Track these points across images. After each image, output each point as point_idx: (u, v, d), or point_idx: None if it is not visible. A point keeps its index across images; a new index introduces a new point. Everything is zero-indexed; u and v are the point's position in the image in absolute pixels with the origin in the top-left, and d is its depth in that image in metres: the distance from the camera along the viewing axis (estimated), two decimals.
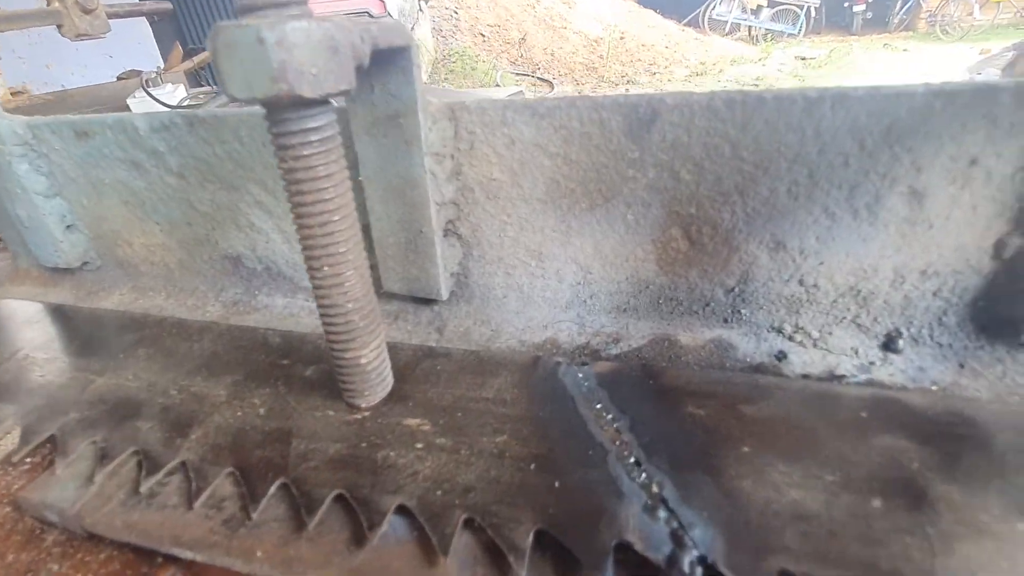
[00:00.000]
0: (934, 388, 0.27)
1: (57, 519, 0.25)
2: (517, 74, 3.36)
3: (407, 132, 0.29)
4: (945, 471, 0.21)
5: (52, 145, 0.40)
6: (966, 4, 4.91)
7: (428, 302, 0.36)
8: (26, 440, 0.29)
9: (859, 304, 0.29)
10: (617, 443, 0.24)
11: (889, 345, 0.29)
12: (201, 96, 1.91)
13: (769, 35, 5.13)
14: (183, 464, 0.26)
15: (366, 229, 0.35)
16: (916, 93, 0.24)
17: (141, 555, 0.24)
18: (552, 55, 3.62)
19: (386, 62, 0.27)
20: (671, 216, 0.29)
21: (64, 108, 2.81)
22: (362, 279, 0.26)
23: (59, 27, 0.79)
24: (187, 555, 0.22)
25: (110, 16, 0.85)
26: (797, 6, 5.12)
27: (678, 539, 0.19)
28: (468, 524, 0.21)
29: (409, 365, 0.31)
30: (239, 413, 0.29)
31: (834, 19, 5.58)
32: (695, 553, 0.19)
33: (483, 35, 3.65)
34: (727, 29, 5.28)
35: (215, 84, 2.36)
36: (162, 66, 2.31)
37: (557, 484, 0.22)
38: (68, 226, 0.44)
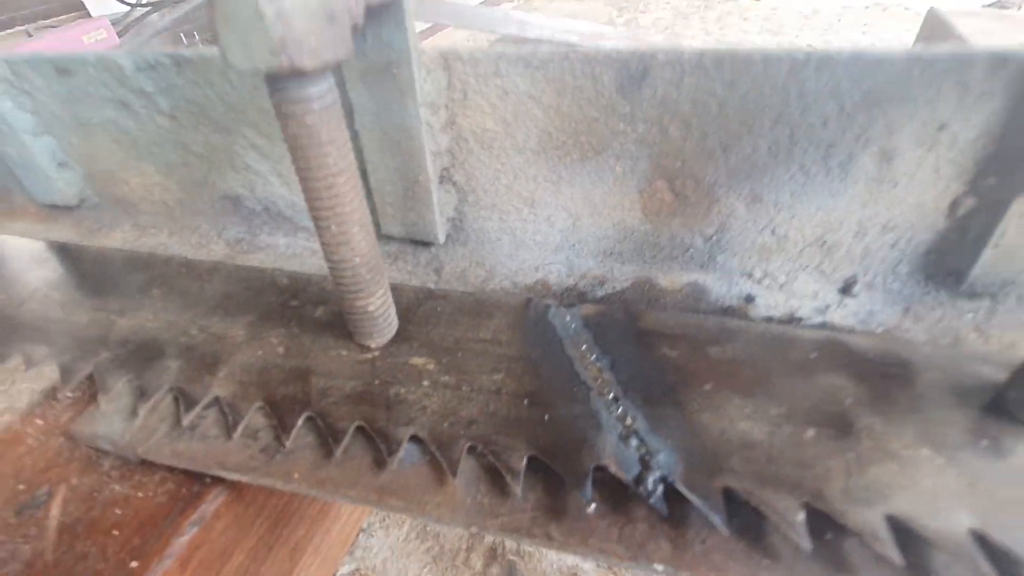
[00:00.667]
0: (879, 329, 0.31)
1: (111, 448, 0.28)
2: None
3: (401, 82, 0.29)
4: (872, 406, 0.25)
5: (34, 83, 0.39)
6: None
7: (426, 244, 0.38)
8: (66, 378, 0.32)
9: (823, 253, 0.32)
10: (599, 381, 0.28)
11: (846, 290, 0.32)
12: None
13: None
14: (216, 399, 0.29)
15: (364, 175, 0.36)
16: (897, 59, 0.24)
17: (190, 476, 0.28)
18: None
19: (379, 11, 0.27)
20: (657, 169, 0.31)
21: (12, 5, 2.55)
22: (367, 235, 0.27)
23: None
24: (233, 476, 0.26)
25: None
26: None
27: (645, 462, 0.24)
28: (472, 451, 0.25)
29: (411, 307, 0.34)
30: (259, 352, 0.32)
31: None
32: (658, 474, 0.23)
33: None
34: None
35: None
36: None
37: (547, 417, 0.26)
38: (60, 164, 0.44)
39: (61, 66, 0.38)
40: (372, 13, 0.27)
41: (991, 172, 0.27)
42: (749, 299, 0.33)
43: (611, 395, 0.27)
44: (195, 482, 0.27)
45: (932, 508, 0.21)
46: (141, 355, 0.32)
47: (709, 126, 0.28)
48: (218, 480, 0.27)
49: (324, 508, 0.36)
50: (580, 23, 0.82)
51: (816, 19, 1.58)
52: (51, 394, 0.33)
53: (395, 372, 0.29)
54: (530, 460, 0.25)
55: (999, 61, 0.24)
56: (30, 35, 1.91)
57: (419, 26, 1.46)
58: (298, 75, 0.21)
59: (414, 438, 0.26)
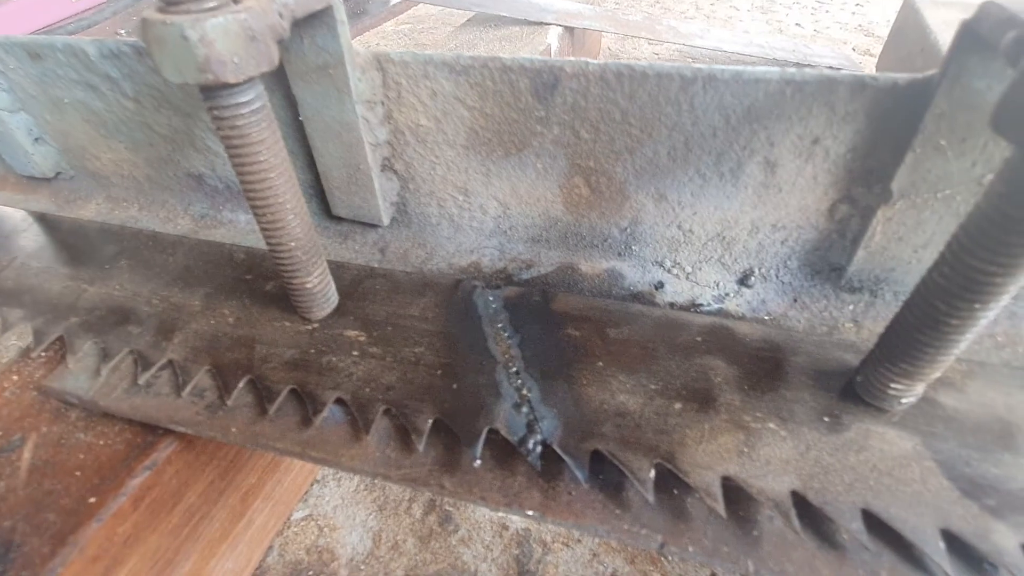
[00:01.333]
0: (767, 318, 0.34)
1: (77, 401, 0.32)
2: None
3: (337, 81, 0.32)
4: (737, 384, 0.29)
5: (8, 64, 0.41)
6: None
7: (373, 226, 0.41)
8: (39, 339, 0.35)
9: (724, 247, 0.35)
10: (506, 356, 0.31)
11: (744, 281, 0.36)
12: None
13: None
14: (170, 362, 0.33)
15: (312, 161, 0.39)
16: (772, 79, 0.27)
17: (145, 428, 0.32)
18: None
19: (312, 19, 0.29)
20: (574, 167, 0.34)
21: None
22: (302, 220, 0.30)
23: None
24: (180, 429, 0.30)
25: None
26: None
27: (531, 427, 0.27)
28: (386, 412, 0.29)
29: (353, 284, 0.37)
30: (212, 321, 0.35)
31: None
32: (539, 437, 0.27)
33: None
34: None
35: None
36: None
37: (455, 386, 0.30)
38: (36, 139, 0.46)
39: (32, 50, 0.40)
40: (305, 21, 0.29)
41: (860, 183, 0.30)
42: (659, 286, 0.37)
43: (514, 369, 0.30)
44: (149, 433, 0.31)
45: (764, 472, 0.25)
46: (107, 321, 0.36)
47: (615, 131, 0.31)
48: (169, 432, 0.31)
49: (275, 460, 0.40)
50: (556, 1, 0.83)
51: None
52: (26, 353, 0.36)
53: (330, 343, 0.33)
54: (435, 422, 0.28)
55: (859, 86, 0.26)
56: None
57: (393, 0, 1.43)
58: (226, 86, 0.24)
59: (339, 401, 0.30)
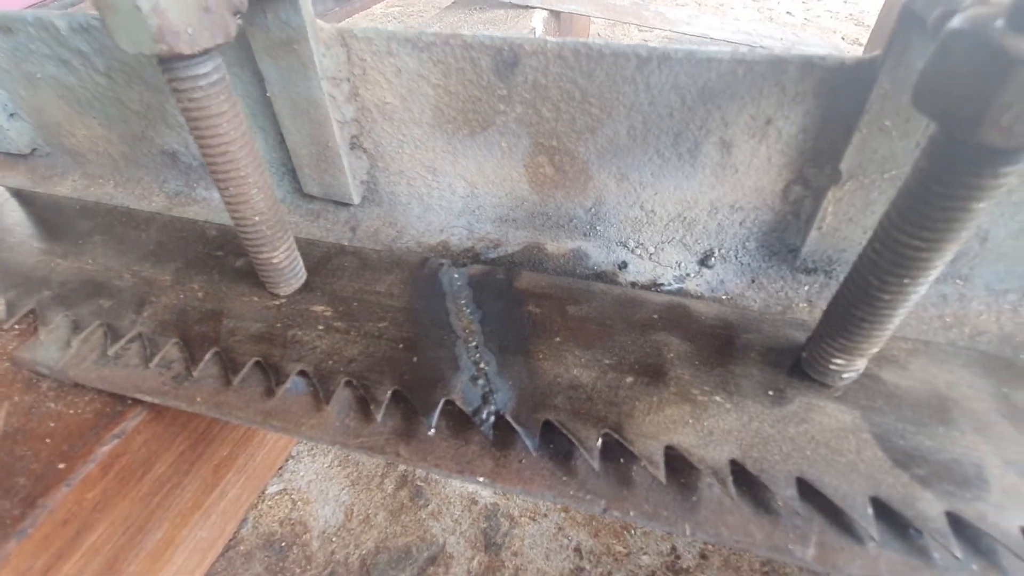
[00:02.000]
0: (725, 297, 0.35)
1: (48, 372, 0.33)
2: None
3: (302, 56, 0.32)
4: (688, 360, 0.30)
5: None
6: None
7: (345, 204, 0.42)
8: (11, 312, 0.36)
9: (685, 228, 0.36)
10: (467, 332, 0.32)
11: (705, 261, 0.36)
12: None
13: None
14: (139, 335, 0.33)
15: (281, 138, 0.39)
16: (723, 59, 0.28)
17: (115, 398, 0.32)
18: None
19: None
20: (537, 146, 0.34)
21: None
22: (265, 195, 0.31)
23: None
24: (147, 399, 0.31)
25: None
26: None
27: (486, 398, 0.28)
28: (347, 384, 0.30)
29: (322, 261, 0.38)
30: (181, 296, 0.36)
31: None
32: (492, 407, 0.28)
33: None
34: None
35: None
36: None
37: (415, 359, 0.31)
38: (11, 114, 0.46)
39: (3, 24, 0.40)
40: None
41: (811, 163, 0.30)
42: (623, 266, 0.37)
43: (473, 343, 0.31)
44: (118, 403, 0.32)
45: (706, 442, 0.26)
46: (79, 294, 0.37)
47: (575, 110, 0.32)
48: (139, 402, 0.32)
49: (248, 434, 0.41)
50: None
51: None
52: None
53: (296, 317, 0.34)
54: (394, 393, 0.29)
55: (807, 66, 0.27)
56: None
57: None
58: (182, 57, 0.24)
59: (302, 372, 0.30)
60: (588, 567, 0.41)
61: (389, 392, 0.29)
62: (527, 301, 0.34)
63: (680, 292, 0.35)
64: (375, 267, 0.37)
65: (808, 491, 0.24)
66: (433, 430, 0.28)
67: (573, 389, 0.29)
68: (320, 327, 0.33)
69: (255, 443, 0.42)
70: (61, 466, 0.29)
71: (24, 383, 0.33)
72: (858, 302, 0.24)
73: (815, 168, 0.30)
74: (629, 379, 0.29)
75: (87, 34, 0.38)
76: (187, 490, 0.36)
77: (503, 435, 0.28)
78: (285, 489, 0.46)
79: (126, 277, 0.37)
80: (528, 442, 0.27)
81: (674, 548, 0.42)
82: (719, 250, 0.36)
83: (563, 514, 0.45)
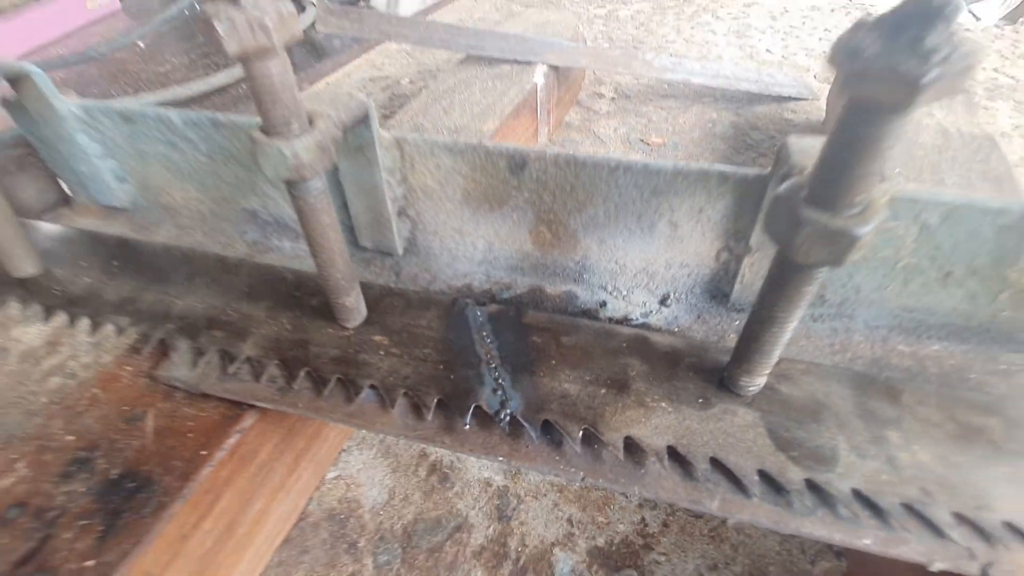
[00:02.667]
0: (676, 329, 0.47)
1: (182, 385, 0.45)
2: None
3: (369, 157, 0.45)
4: (645, 377, 0.42)
5: (104, 124, 0.54)
6: None
7: (389, 254, 0.54)
8: (145, 341, 0.48)
9: (648, 277, 0.48)
10: (488, 356, 0.44)
11: (663, 302, 0.49)
12: None
13: None
14: (248, 358, 0.46)
15: (347, 208, 0.51)
16: (667, 170, 0.40)
17: (233, 404, 0.44)
18: None
19: (354, 122, 0.42)
20: (539, 219, 0.47)
21: None
22: (343, 259, 0.43)
23: None
24: (261, 405, 0.43)
25: None
26: None
27: (503, 404, 0.40)
28: (405, 394, 0.42)
29: (377, 300, 0.50)
30: (274, 328, 0.48)
31: None
32: (508, 411, 0.40)
33: None
34: None
35: None
36: None
37: (452, 376, 0.43)
38: (120, 179, 0.59)
39: (126, 115, 0.52)
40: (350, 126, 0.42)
41: (732, 238, 0.43)
42: (602, 305, 0.50)
43: (493, 365, 0.43)
44: (237, 408, 0.44)
45: (653, 434, 0.38)
46: (196, 327, 0.49)
47: (567, 197, 0.44)
48: (251, 407, 0.44)
49: (316, 430, 0.53)
50: (535, 41, 0.95)
51: (783, 19, 1.68)
52: (134, 350, 0.49)
53: (363, 345, 0.46)
54: (438, 401, 0.41)
55: (724, 177, 0.39)
56: None
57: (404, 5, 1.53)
58: (304, 179, 0.37)
59: (372, 386, 0.43)
60: (577, 532, 0.53)
61: (435, 400, 0.41)
62: (532, 333, 0.46)
63: (644, 326, 0.48)
64: (416, 306, 0.49)
65: (718, 466, 0.37)
66: (468, 426, 0.40)
67: (564, 398, 0.41)
68: (381, 352, 0.45)
69: (320, 439, 0.54)
70: (203, 452, 0.41)
71: (162, 394, 0.46)
72: (751, 339, 0.36)
73: (735, 241, 0.43)
74: (603, 391, 0.41)
75: (196, 128, 0.51)
76: (277, 473, 0.49)
77: (515, 429, 0.40)
78: (340, 475, 0.58)
79: (230, 313, 0.49)
80: (532, 434, 0.39)
81: (643, 519, 0.54)
82: (674, 294, 0.48)
83: (558, 493, 0.57)
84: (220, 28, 0.28)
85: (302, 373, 0.44)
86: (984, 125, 1.06)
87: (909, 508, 0.35)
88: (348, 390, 0.43)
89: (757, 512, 0.35)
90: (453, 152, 0.44)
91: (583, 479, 0.37)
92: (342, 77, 1.38)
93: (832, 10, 1.71)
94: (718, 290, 0.47)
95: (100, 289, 0.53)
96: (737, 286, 0.45)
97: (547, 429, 0.40)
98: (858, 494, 0.35)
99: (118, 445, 0.42)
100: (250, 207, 0.56)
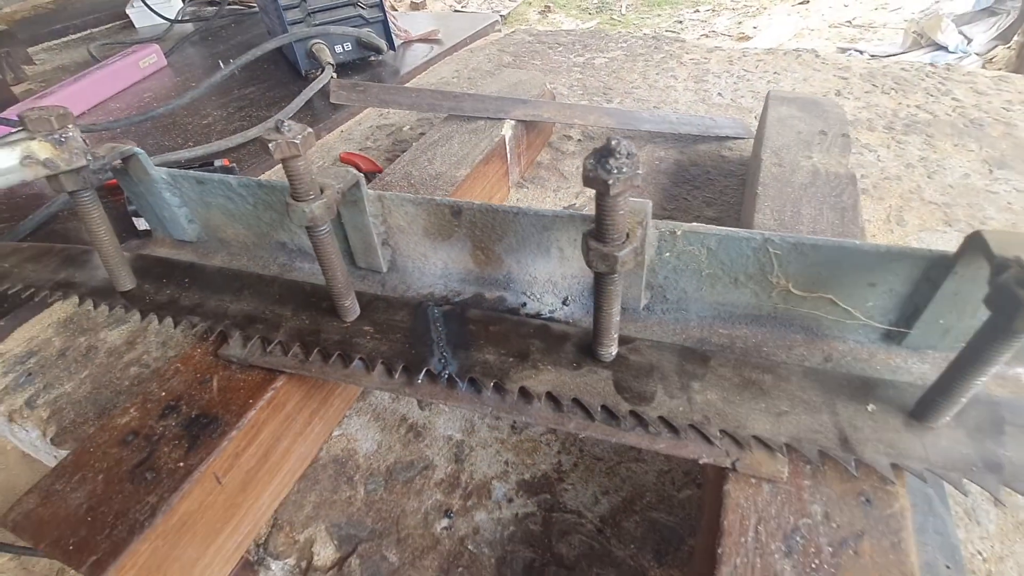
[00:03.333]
0: (571, 320, 0.68)
1: (236, 360, 0.67)
2: None
3: (360, 207, 0.67)
4: (541, 351, 0.63)
5: (183, 185, 0.78)
6: None
7: (377, 272, 0.77)
8: (210, 331, 0.71)
9: (553, 285, 0.69)
10: (438, 338, 0.65)
11: (564, 302, 0.70)
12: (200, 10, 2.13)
13: None
14: (279, 342, 0.68)
15: (347, 238, 0.74)
16: (548, 214, 0.62)
17: (271, 371, 0.66)
18: None
19: (350, 187, 0.65)
20: (476, 246, 0.68)
21: (65, 16, 2.95)
22: (344, 274, 0.65)
23: None
24: (288, 371, 0.65)
25: None
26: None
27: (444, 367, 0.61)
28: (382, 363, 0.63)
29: (367, 303, 0.72)
30: (297, 323, 0.70)
31: None
32: (448, 371, 0.61)
33: None
34: None
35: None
36: None
37: (413, 351, 0.64)
38: (190, 221, 0.83)
39: (200, 180, 0.76)
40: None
41: None
42: (523, 305, 0.71)
43: (441, 344, 0.65)
44: (272, 374, 0.66)
45: (539, 385, 0.58)
46: (244, 322, 0.71)
47: (491, 232, 0.66)
48: (281, 373, 0.66)
49: (325, 397, 0.75)
50: (506, 99, 1.18)
51: (739, 64, 1.89)
52: (203, 338, 0.71)
53: (356, 332, 0.67)
54: (403, 367, 0.63)
55: (586, 219, 0.61)
56: (95, 57, 2.29)
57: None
58: (317, 227, 0.59)
59: (360, 358, 0.64)
60: (511, 470, 0.74)
61: (401, 366, 0.63)
62: (470, 323, 0.67)
63: (550, 319, 0.69)
64: (395, 307, 0.71)
65: (577, 403, 0.57)
66: (420, 381, 0.61)
67: (484, 363, 0.62)
68: (368, 337, 0.67)
69: (328, 404, 0.76)
70: (250, 401, 0.63)
71: (223, 366, 0.68)
72: (598, 318, 0.57)
73: None
74: (511, 359, 0.62)
75: (246, 187, 0.74)
76: (298, 422, 0.70)
77: (451, 383, 0.61)
78: (343, 433, 0.80)
79: (267, 313, 0.72)
80: (462, 385, 0.60)
81: (560, 462, 0.74)
82: (571, 296, 0.69)
83: (500, 444, 0.78)
84: (271, 146, 0.51)
85: (315, 351, 0.66)
86: (874, 162, 1.26)
87: (693, 427, 0.55)
88: (345, 361, 0.64)
89: (597, 430, 0.56)
90: (415, 203, 0.66)
91: (491, 411, 0.58)
92: (353, 125, 1.64)
93: (784, 53, 1.93)
94: None
95: (177, 298, 0.76)
96: None
97: (472, 383, 0.61)
98: (662, 419, 0.55)
99: (195, 397, 0.64)
100: (281, 240, 0.79)
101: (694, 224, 0.58)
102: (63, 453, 0.83)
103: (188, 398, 0.64)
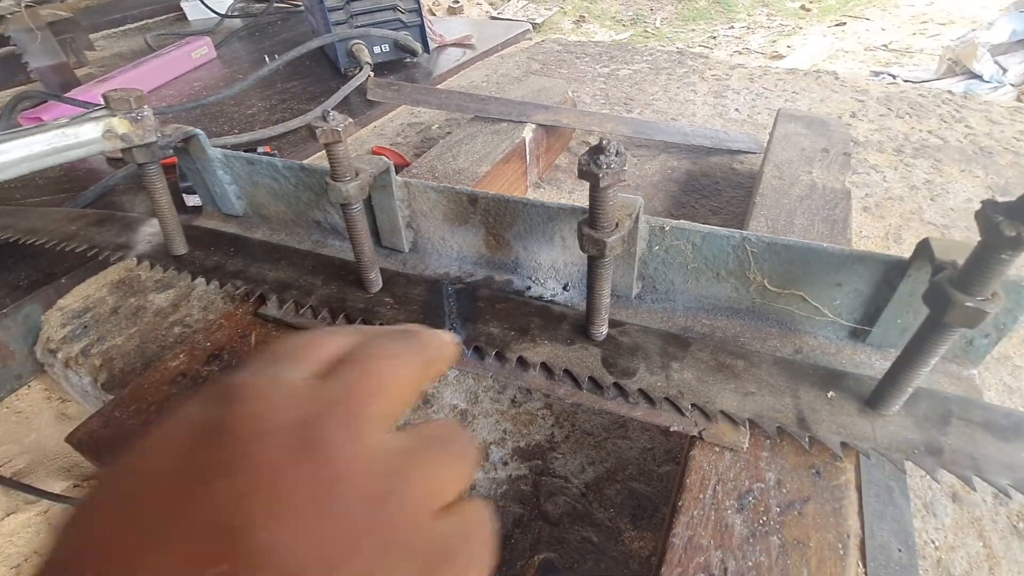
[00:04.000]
0: (570, 304, 0.76)
1: (272, 319, 0.76)
2: None
3: (388, 191, 0.76)
4: (540, 327, 0.70)
5: (235, 164, 0.88)
6: None
7: (400, 251, 0.85)
8: (251, 294, 0.80)
9: (555, 271, 0.77)
10: (449, 312, 0.74)
11: (565, 287, 0.77)
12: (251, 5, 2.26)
13: None
14: (311, 306, 0.76)
15: (375, 219, 0.83)
16: (553, 206, 0.69)
17: (302, 328, 0.75)
18: None
19: (381, 172, 0.73)
20: (488, 232, 0.77)
21: (124, 6, 3.13)
22: (371, 252, 0.74)
23: None
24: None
25: None
26: None
27: (454, 333, 0.70)
28: None
29: (389, 278, 0.80)
30: (326, 292, 0.79)
31: None
32: (459, 338, 0.69)
33: None
34: None
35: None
36: None
37: (427, 322, 0.72)
38: (238, 197, 0.93)
39: (250, 160, 0.86)
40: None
41: None
42: (528, 288, 0.79)
43: (452, 316, 0.73)
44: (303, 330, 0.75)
45: (535, 356, 0.66)
46: (280, 288, 0.80)
47: (504, 220, 0.74)
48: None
49: None
50: (528, 104, 1.26)
51: (758, 82, 1.95)
52: (244, 299, 0.81)
53: (378, 303, 0.76)
54: None
55: (574, 212, 0.68)
56: (151, 47, 2.45)
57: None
58: (350, 204, 0.68)
59: (380, 324, 0.73)
60: (507, 438, 0.82)
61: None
62: (479, 301, 0.75)
63: (551, 301, 0.76)
64: (413, 283, 0.79)
65: (568, 374, 0.64)
66: None
67: (489, 335, 0.70)
68: (388, 308, 0.75)
69: None
70: None
71: (260, 324, 0.77)
72: (589, 302, 0.65)
73: None
74: (512, 333, 0.70)
75: (290, 169, 0.83)
76: None
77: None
78: None
79: (301, 283, 0.81)
80: (467, 352, 0.68)
81: (553, 434, 0.82)
82: (571, 282, 0.77)
83: (500, 415, 0.85)
84: (317, 131, 0.60)
85: (341, 315, 0.74)
86: (883, 183, 1.31)
87: (668, 400, 0.62)
88: (367, 325, 0.73)
89: (584, 397, 0.63)
90: (437, 190, 0.75)
91: (493, 376, 0.66)
92: (386, 122, 1.75)
93: (805, 74, 1.98)
94: None
95: (223, 264, 0.86)
96: None
97: (476, 350, 0.69)
98: (641, 391, 0.62)
99: (235, 348, 0.74)
100: (316, 219, 0.89)
101: (681, 221, 0.65)
102: (110, 399, 0.93)
103: (230, 349, 0.74)
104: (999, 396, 0.83)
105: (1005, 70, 4.94)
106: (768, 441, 0.59)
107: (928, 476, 0.56)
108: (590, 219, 0.55)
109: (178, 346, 0.96)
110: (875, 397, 0.58)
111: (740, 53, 6.20)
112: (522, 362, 0.66)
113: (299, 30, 2.70)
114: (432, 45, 2.09)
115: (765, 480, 0.56)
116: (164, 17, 3.30)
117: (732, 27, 6.96)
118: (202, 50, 2.34)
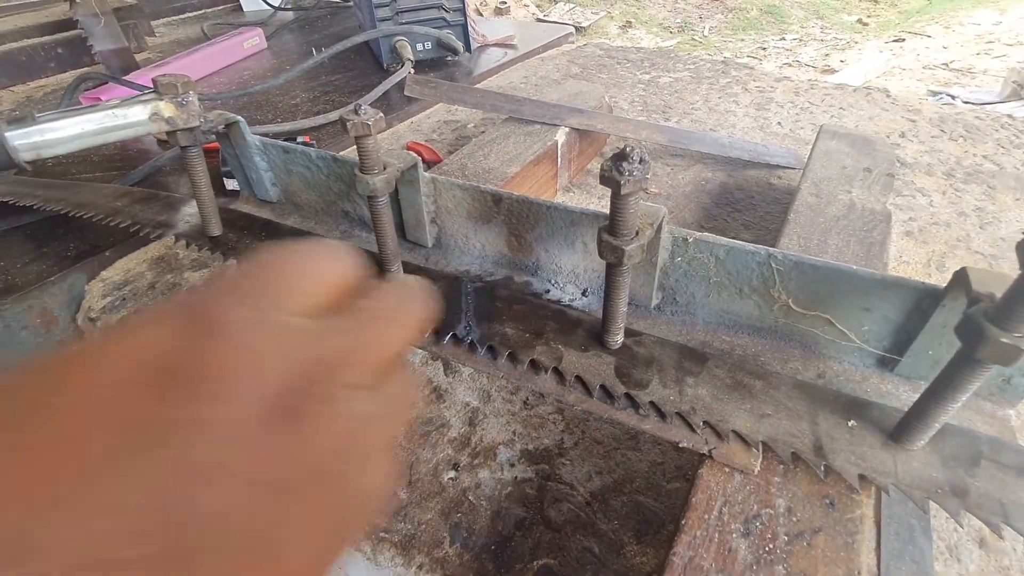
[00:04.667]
0: (587, 310, 0.75)
1: None
2: None
3: (415, 187, 0.77)
4: (555, 331, 0.70)
5: (272, 152, 0.90)
6: None
7: (424, 246, 0.86)
8: None
9: (575, 276, 0.77)
10: (466, 309, 0.74)
11: (584, 293, 0.77)
12: None
13: None
14: None
15: (401, 213, 0.84)
16: (576, 211, 0.69)
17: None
18: None
19: (409, 167, 0.74)
20: (511, 232, 0.77)
21: None
22: (395, 245, 0.75)
23: None
24: None
25: None
26: None
27: (468, 334, 0.70)
28: None
29: (411, 273, 0.81)
30: None
31: None
32: (471, 338, 0.69)
33: None
34: None
35: None
36: None
37: (444, 318, 0.73)
38: (273, 184, 0.95)
39: (286, 149, 0.88)
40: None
41: None
42: (547, 291, 0.78)
43: (468, 314, 0.73)
44: None
45: (548, 360, 0.66)
46: None
47: (527, 221, 0.74)
48: None
49: None
50: (563, 107, 1.25)
51: (804, 96, 1.89)
52: None
53: None
54: (434, 328, 0.71)
55: (596, 218, 0.68)
56: (206, 35, 2.55)
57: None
58: (376, 196, 0.69)
59: None
60: (516, 440, 0.82)
61: (432, 327, 0.72)
62: (497, 301, 0.75)
63: (568, 306, 0.76)
64: (434, 278, 0.80)
65: (580, 380, 0.64)
66: (446, 342, 0.70)
67: (503, 335, 0.70)
68: None
69: None
70: None
71: None
72: (605, 310, 0.64)
73: None
74: (527, 335, 0.70)
75: (323, 160, 0.85)
76: None
77: (472, 348, 0.69)
78: None
79: None
80: (481, 351, 0.68)
81: (562, 440, 0.81)
82: (590, 288, 0.76)
83: (511, 416, 0.85)
84: (348, 125, 0.61)
85: None
86: (948, 207, 1.25)
87: (680, 415, 0.60)
88: None
89: (593, 405, 0.62)
90: (462, 188, 0.75)
91: (502, 376, 0.66)
92: (423, 118, 1.77)
93: (854, 90, 1.91)
94: None
95: (254, 247, 0.88)
96: None
97: (490, 350, 0.69)
98: (652, 404, 0.61)
99: None
100: (345, 209, 0.90)
101: (705, 233, 0.64)
102: None
103: None
104: None
105: None
106: (781, 466, 0.57)
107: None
108: (610, 226, 0.55)
109: None
110: (900, 430, 0.56)
111: (790, 66, 6.04)
112: (535, 365, 0.66)
113: (347, 24, 2.77)
114: (474, 45, 2.11)
115: (775, 506, 0.54)
116: (221, 7, 3.43)
117: (783, 39, 6.78)
118: (254, 40, 2.42)
